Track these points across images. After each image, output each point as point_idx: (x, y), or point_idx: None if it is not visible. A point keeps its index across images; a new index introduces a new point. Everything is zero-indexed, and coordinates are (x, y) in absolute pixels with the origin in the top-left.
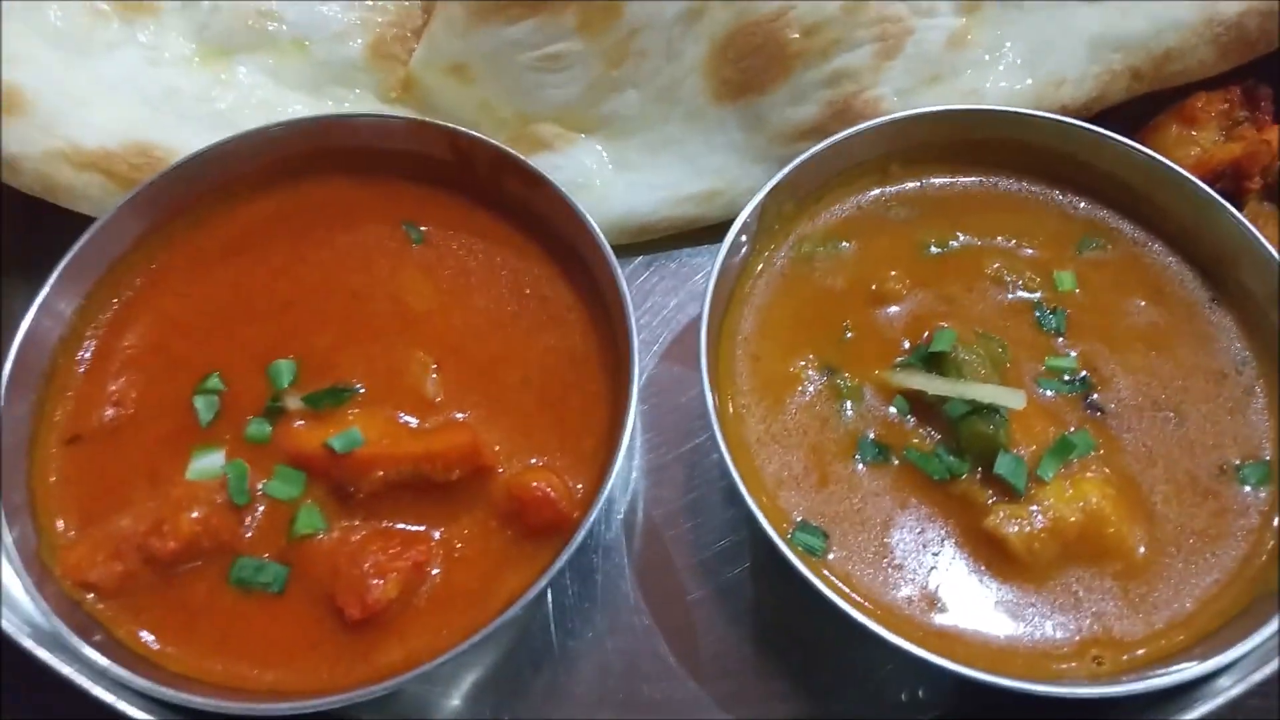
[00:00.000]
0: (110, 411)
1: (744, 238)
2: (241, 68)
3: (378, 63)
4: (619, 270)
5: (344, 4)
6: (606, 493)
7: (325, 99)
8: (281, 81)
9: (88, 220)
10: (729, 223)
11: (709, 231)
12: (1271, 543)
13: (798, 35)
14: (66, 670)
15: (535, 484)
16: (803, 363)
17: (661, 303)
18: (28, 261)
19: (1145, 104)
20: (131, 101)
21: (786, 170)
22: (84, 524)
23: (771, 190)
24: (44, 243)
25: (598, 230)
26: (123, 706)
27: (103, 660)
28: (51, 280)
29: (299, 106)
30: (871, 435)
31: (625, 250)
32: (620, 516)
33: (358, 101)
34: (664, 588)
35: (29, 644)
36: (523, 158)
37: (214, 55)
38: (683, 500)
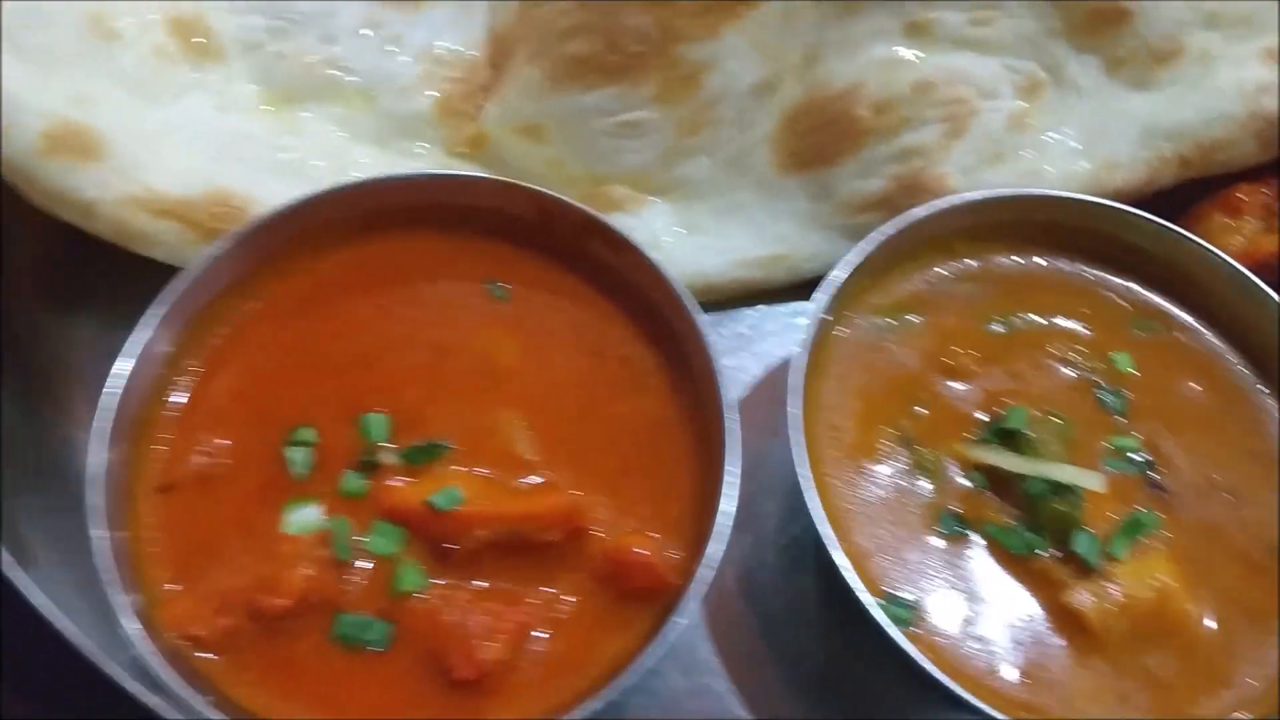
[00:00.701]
0: (200, 461)
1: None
2: (308, 115)
3: (445, 118)
4: (710, 340)
5: (411, 57)
6: (716, 563)
7: (392, 151)
8: (349, 131)
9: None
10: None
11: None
12: None
13: (868, 112)
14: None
15: (636, 549)
16: (881, 434)
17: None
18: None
19: (1187, 187)
20: (204, 148)
21: (868, 250)
22: (180, 574)
23: (854, 269)
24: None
25: (688, 296)
26: None
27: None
28: (146, 326)
29: (366, 159)
30: (951, 508)
31: None
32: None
33: (424, 155)
34: (743, 650)
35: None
36: (610, 222)
37: (280, 102)
38: (761, 563)
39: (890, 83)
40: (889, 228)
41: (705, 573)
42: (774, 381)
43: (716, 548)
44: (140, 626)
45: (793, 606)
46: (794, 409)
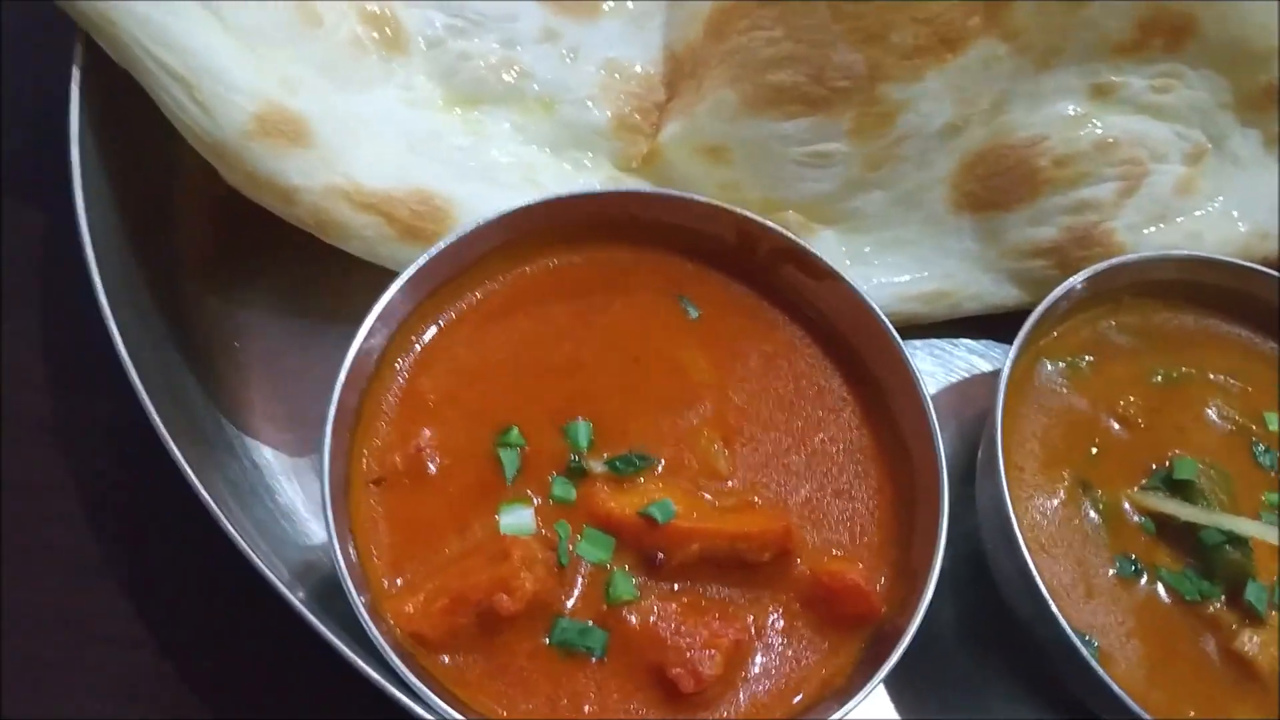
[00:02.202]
0: (413, 456)
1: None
2: (487, 119)
3: (621, 132)
4: (916, 372)
5: (590, 69)
6: (929, 596)
7: (565, 160)
8: (524, 136)
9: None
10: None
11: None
12: None
13: (1048, 164)
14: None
15: (848, 574)
16: (1059, 475)
17: None
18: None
19: None
20: (398, 143)
21: (1056, 299)
22: (399, 570)
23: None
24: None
25: (891, 327)
26: None
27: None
28: (368, 322)
29: (542, 165)
30: (1127, 552)
31: None
32: None
33: (596, 166)
34: (918, 687)
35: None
36: (811, 249)
37: (461, 103)
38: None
39: (1072, 139)
40: (1077, 279)
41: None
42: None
43: (932, 580)
44: (376, 628)
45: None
46: (998, 450)
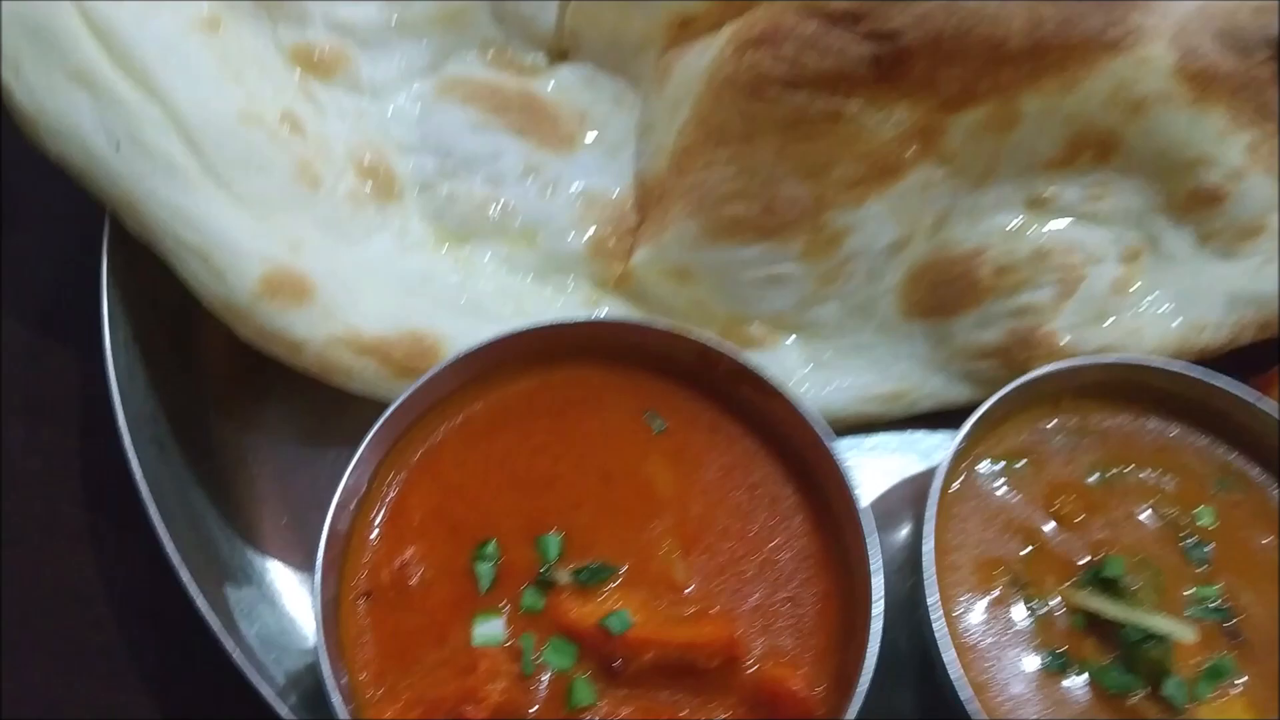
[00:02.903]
0: (397, 571)
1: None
2: (476, 253)
3: (596, 257)
4: (852, 482)
5: (567, 200)
6: (858, 702)
7: (548, 285)
8: (510, 266)
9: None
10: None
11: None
12: None
13: (989, 274)
14: None
15: (789, 682)
16: (993, 573)
17: None
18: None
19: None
20: (394, 288)
21: (993, 404)
22: (381, 679)
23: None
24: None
25: (831, 437)
26: None
27: None
28: (359, 453)
29: (527, 292)
30: (1056, 647)
31: None
32: None
33: (576, 288)
34: None
35: None
36: (762, 371)
37: (451, 240)
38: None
39: (1011, 249)
40: (1013, 386)
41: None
42: (883, 510)
43: (863, 688)
44: None
45: None
46: (928, 548)
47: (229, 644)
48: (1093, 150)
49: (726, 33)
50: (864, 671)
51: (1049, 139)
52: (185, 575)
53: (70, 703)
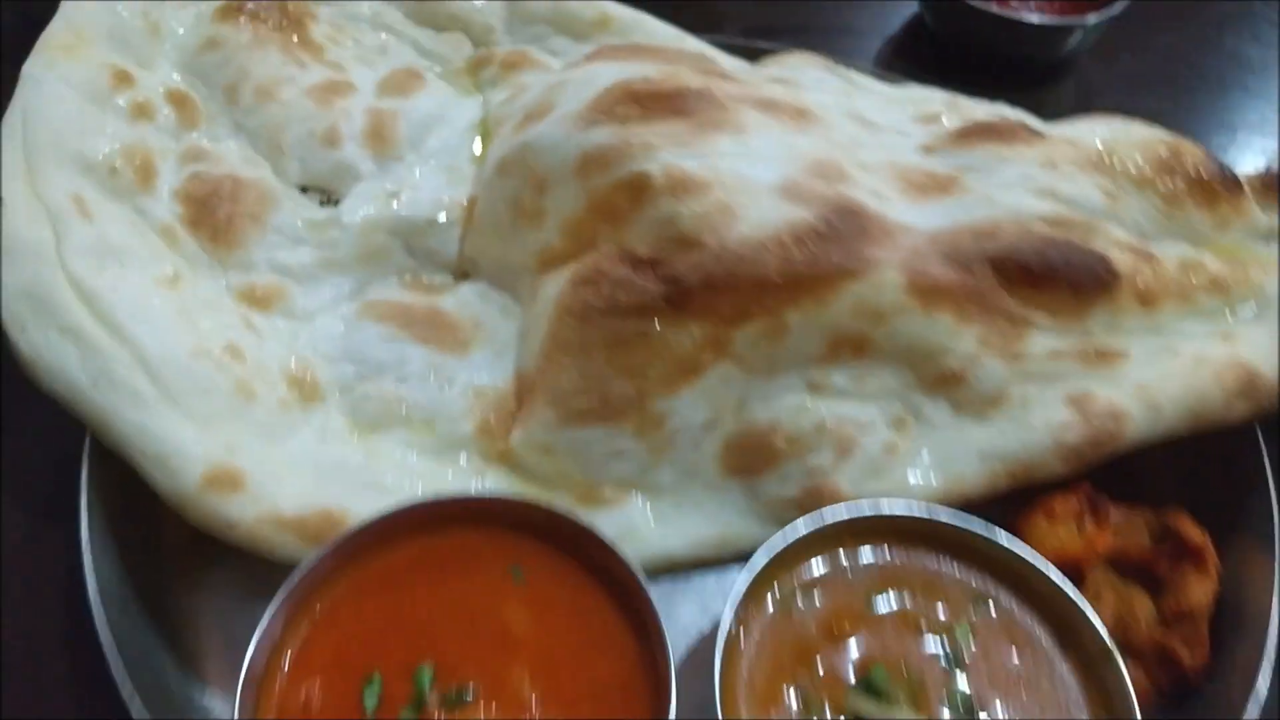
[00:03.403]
0: (303, 702)
1: (734, 620)
2: (385, 441)
3: (483, 438)
4: (659, 618)
5: (459, 393)
6: None
7: (446, 462)
8: (414, 449)
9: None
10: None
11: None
12: None
13: (783, 443)
14: None
15: None
16: (783, 687)
17: (676, 613)
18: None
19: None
20: (311, 474)
21: (780, 544)
22: None
23: (765, 565)
24: None
25: (647, 584)
26: None
27: None
28: (271, 609)
29: (424, 469)
30: None
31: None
32: None
33: (468, 461)
34: None
35: None
36: (597, 530)
37: (364, 430)
38: None
39: (798, 423)
40: (797, 525)
41: None
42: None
43: None
44: None
45: None
46: (718, 666)
47: None
48: (849, 348)
49: (568, 271)
50: None
51: (813, 342)
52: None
53: None
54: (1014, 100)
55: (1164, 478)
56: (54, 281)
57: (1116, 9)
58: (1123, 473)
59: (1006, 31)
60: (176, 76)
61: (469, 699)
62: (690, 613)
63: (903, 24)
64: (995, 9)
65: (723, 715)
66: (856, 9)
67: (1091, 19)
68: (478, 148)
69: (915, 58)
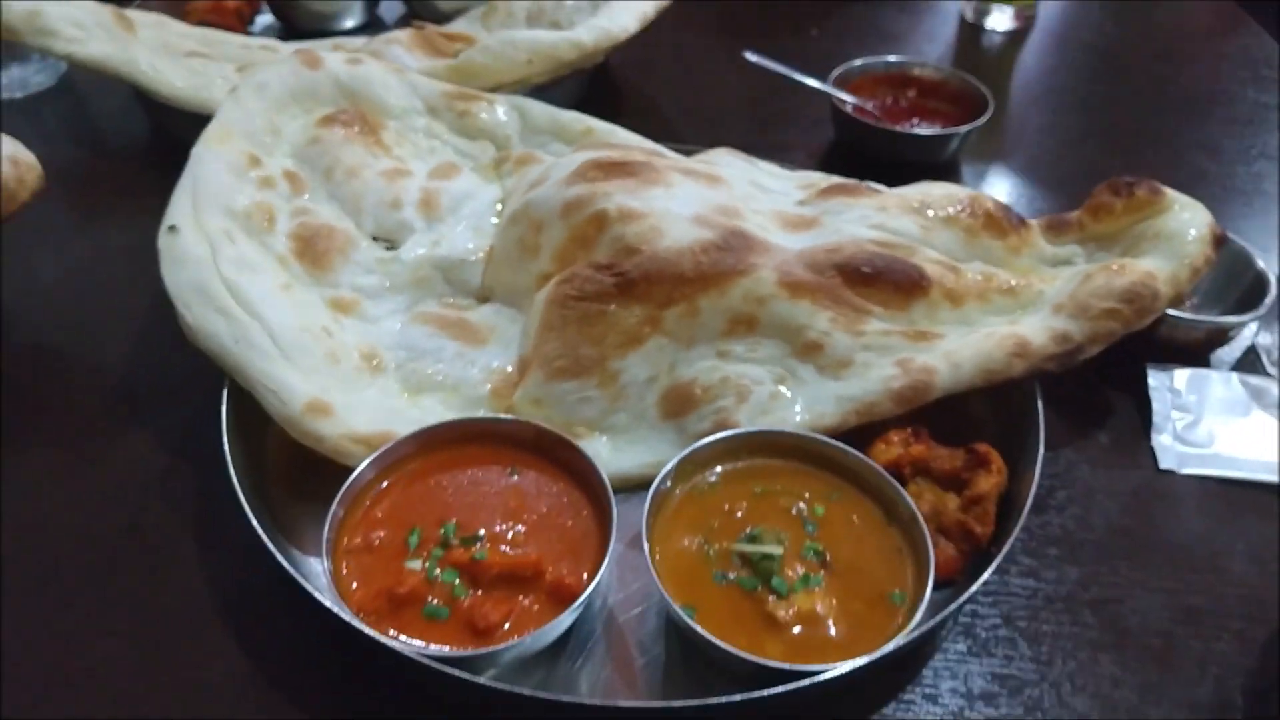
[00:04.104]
0: (368, 538)
1: (667, 483)
2: (427, 399)
3: (494, 398)
4: (610, 491)
5: (481, 370)
6: (596, 582)
7: (469, 414)
8: (444, 405)
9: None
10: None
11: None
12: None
13: (699, 392)
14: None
15: (565, 579)
16: (693, 536)
17: (622, 509)
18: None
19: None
20: (378, 412)
21: (687, 451)
22: (358, 580)
23: (680, 461)
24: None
25: (604, 476)
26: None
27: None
28: (343, 491)
29: (452, 416)
30: (724, 570)
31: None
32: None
33: (485, 413)
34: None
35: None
36: (573, 440)
37: (412, 393)
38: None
39: (709, 379)
40: (701, 443)
41: (585, 595)
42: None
43: (600, 580)
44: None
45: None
46: (648, 505)
47: (286, 565)
48: (743, 325)
49: (554, 281)
50: (600, 572)
51: (718, 320)
52: (268, 541)
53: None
54: None
55: (980, 421)
56: (211, 278)
57: (983, 121)
58: (953, 423)
59: (899, 142)
60: (290, 161)
61: (479, 539)
62: (630, 509)
63: (828, 141)
64: (885, 125)
65: (646, 539)
66: (789, 130)
67: (964, 128)
68: (496, 215)
69: (829, 166)
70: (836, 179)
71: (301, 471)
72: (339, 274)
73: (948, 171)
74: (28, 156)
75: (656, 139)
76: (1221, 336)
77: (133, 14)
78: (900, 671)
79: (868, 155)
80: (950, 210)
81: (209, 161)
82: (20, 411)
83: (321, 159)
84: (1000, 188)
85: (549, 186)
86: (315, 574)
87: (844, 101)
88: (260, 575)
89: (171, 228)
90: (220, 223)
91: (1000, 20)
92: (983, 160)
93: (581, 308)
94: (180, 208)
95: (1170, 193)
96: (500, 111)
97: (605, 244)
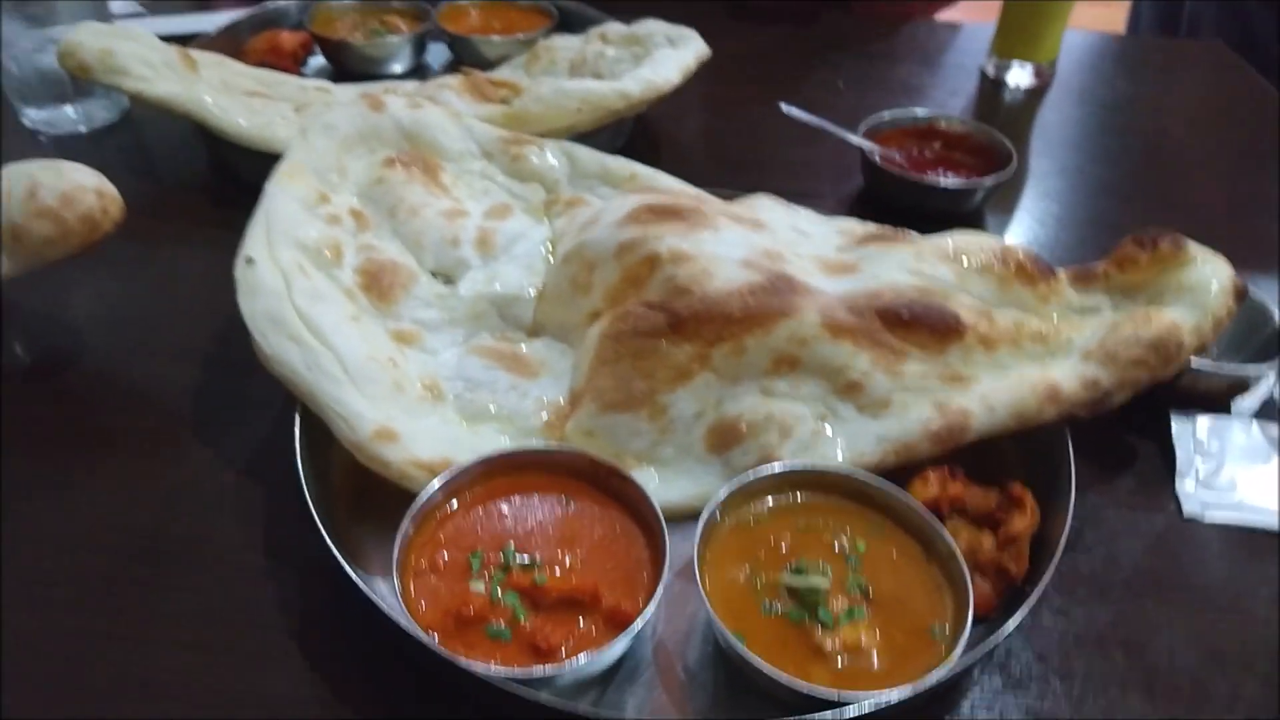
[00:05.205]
0: (434, 561)
1: (718, 515)
2: (484, 429)
3: (546, 429)
4: (664, 526)
5: (534, 402)
6: (652, 609)
7: (522, 443)
8: (503, 435)
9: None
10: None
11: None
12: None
13: (745, 428)
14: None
15: (623, 605)
16: (743, 566)
17: (671, 540)
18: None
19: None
20: (439, 440)
21: (736, 484)
22: (425, 600)
23: (730, 493)
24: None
25: (658, 508)
26: None
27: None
28: (409, 515)
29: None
30: (771, 601)
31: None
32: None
33: (538, 443)
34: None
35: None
36: (625, 471)
37: (470, 422)
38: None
39: (754, 416)
40: (757, 470)
41: (641, 621)
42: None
43: (651, 609)
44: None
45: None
46: (699, 533)
47: (360, 583)
48: (786, 364)
49: (607, 318)
50: (651, 601)
51: (764, 359)
52: (335, 550)
53: None
54: None
55: (1011, 463)
56: (285, 308)
57: (1007, 174)
58: (985, 464)
59: (928, 193)
60: (356, 200)
61: (537, 564)
62: (679, 540)
63: (856, 190)
64: (913, 176)
65: (698, 568)
66: (820, 179)
67: (989, 180)
68: (545, 254)
69: (858, 214)
70: (874, 226)
71: (358, 495)
72: (401, 307)
73: (972, 220)
74: (111, 189)
75: (693, 184)
76: (1242, 385)
77: (196, 54)
78: (938, 703)
79: (896, 204)
80: (983, 258)
81: (281, 197)
82: (92, 428)
83: (386, 198)
84: (1021, 237)
85: (602, 228)
86: (380, 593)
87: (873, 152)
88: (325, 591)
89: (249, 260)
90: (292, 255)
91: (1021, 76)
92: (1004, 211)
93: (635, 343)
94: (255, 240)
95: (1193, 245)
96: (550, 156)
97: (657, 284)
